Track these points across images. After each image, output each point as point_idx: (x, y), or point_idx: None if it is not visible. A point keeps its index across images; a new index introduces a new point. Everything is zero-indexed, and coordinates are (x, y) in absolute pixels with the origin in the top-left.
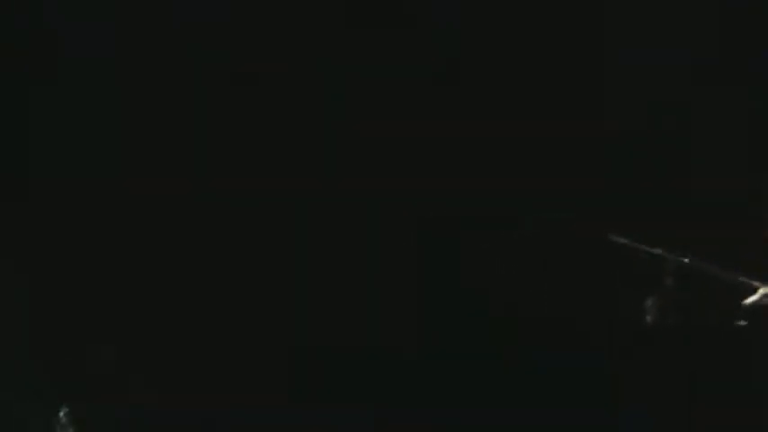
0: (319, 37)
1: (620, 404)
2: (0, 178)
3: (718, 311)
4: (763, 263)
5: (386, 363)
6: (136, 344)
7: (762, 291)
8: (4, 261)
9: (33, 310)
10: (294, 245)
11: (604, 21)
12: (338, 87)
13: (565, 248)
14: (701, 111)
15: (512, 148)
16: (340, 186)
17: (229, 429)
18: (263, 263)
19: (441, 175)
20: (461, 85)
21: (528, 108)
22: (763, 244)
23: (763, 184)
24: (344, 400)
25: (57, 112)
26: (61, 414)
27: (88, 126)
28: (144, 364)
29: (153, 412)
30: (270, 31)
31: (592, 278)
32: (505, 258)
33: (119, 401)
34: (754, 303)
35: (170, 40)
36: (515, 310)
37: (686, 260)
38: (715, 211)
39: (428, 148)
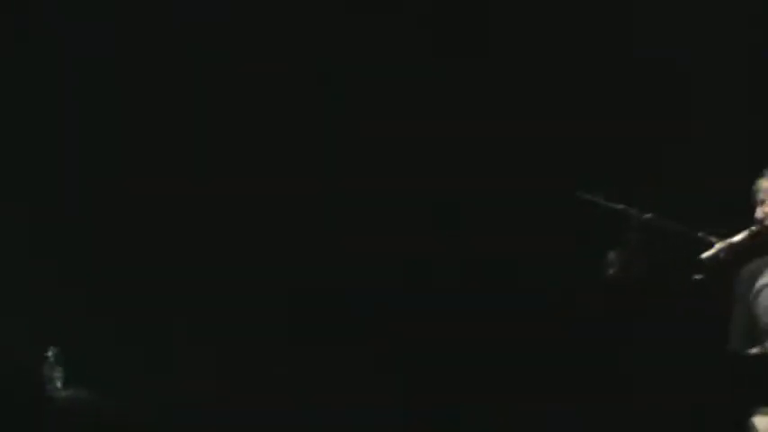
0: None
1: None
2: None
3: (677, 265)
4: None
5: None
6: None
7: (718, 246)
8: None
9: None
10: None
11: None
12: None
13: None
14: None
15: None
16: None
17: None
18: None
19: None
20: None
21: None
22: None
23: None
24: None
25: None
26: (49, 353)
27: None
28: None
29: None
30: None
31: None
32: None
33: None
34: (710, 257)
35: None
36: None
37: (648, 216)
38: None
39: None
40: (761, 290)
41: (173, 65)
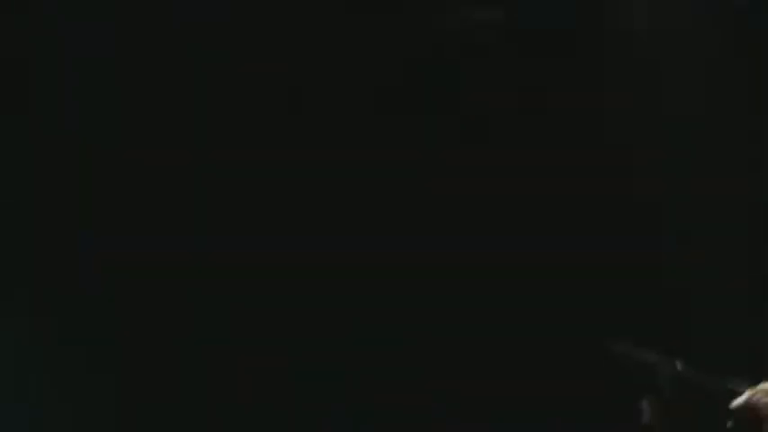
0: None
1: None
2: None
3: (709, 415)
4: None
5: None
6: None
7: (747, 394)
8: None
9: None
10: None
11: None
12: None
13: None
14: None
15: None
16: None
17: None
18: None
19: None
20: None
21: None
22: None
23: None
24: None
25: None
26: None
27: None
28: None
29: None
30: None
31: None
32: None
33: None
34: (740, 406)
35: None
36: None
37: (678, 367)
38: None
39: None
40: None
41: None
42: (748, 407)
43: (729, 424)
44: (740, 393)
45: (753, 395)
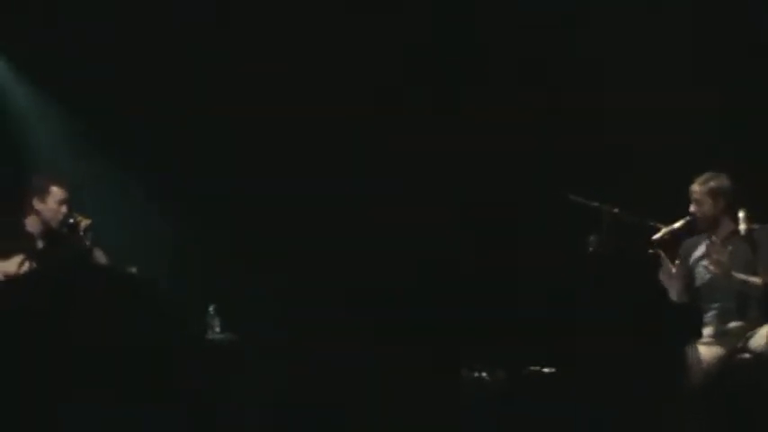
0: None
1: None
2: None
3: (635, 244)
4: None
5: None
6: None
7: (664, 230)
8: None
9: None
10: None
11: None
12: None
13: None
14: None
15: None
16: None
17: None
18: None
19: None
20: None
21: None
22: None
23: None
24: None
25: None
26: (210, 308)
27: None
28: None
29: None
30: None
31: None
32: None
33: None
34: (659, 238)
35: None
36: None
37: (616, 210)
38: None
39: None
40: (697, 260)
41: None
42: (664, 238)
43: (651, 250)
44: (659, 228)
45: (667, 230)
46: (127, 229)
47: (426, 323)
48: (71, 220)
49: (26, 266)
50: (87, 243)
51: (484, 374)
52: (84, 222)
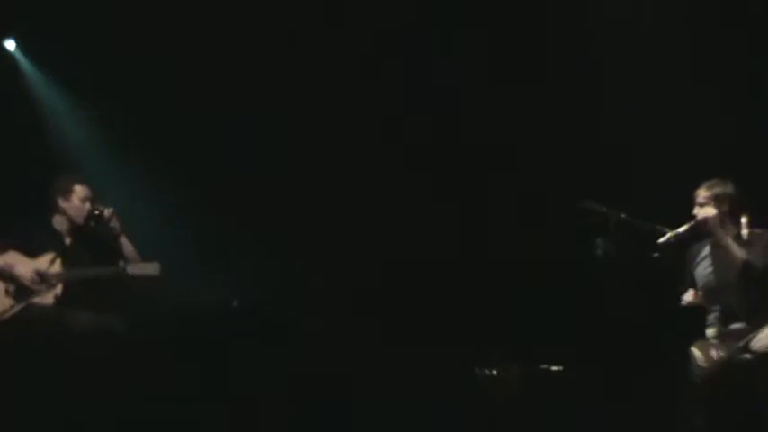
0: None
1: None
2: None
3: (641, 247)
4: None
5: None
6: None
7: (669, 234)
8: None
9: None
10: None
11: None
12: None
13: None
14: None
15: None
16: None
17: None
18: None
19: None
20: None
21: None
22: None
23: None
24: None
25: None
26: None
27: None
28: None
29: None
30: None
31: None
32: None
33: None
34: (664, 242)
35: None
36: None
37: (623, 215)
38: None
39: None
40: (699, 262)
41: None
42: (669, 243)
43: (656, 254)
44: (664, 233)
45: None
46: (149, 220)
47: (439, 322)
48: (96, 212)
49: (57, 264)
50: (115, 231)
51: (495, 372)
52: (107, 211)
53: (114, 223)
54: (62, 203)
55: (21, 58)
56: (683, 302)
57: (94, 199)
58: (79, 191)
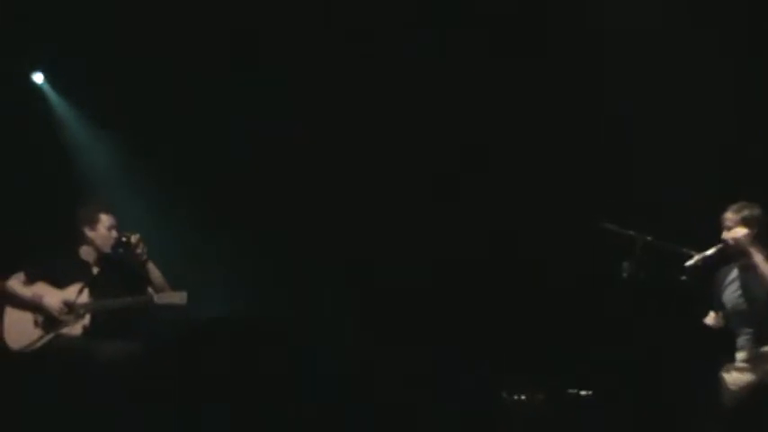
0: None
1: None
2: None
3: (669, 270)
4: None
5: None
6: None
7: (696, 257)
8: None
9: None
10: None
11: None
12: None
13: None
14: None
15: None
16: None
17: None
18: None
19: None
20: None
21: None
22: None
23: None
24: None
25: None
26: None
27: None
28: None
29: None
30: None
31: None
32: None
33: None
34: (692, 265)
35: None
36: None
37: (649, 238)
38: None
39: None
40: (727, 285)
41: None
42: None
43: (683, 277)
44: (691, 256)
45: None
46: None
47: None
48: (123, 239)
49: (84, 294)
50: (142, 257)
51: (523, 397)
52: (134, 237)
53: (141, 249)
54: (89, 233)
55: (48, 90)
56: (705, 324)
57: (118, 226)
58: (105, 219)
